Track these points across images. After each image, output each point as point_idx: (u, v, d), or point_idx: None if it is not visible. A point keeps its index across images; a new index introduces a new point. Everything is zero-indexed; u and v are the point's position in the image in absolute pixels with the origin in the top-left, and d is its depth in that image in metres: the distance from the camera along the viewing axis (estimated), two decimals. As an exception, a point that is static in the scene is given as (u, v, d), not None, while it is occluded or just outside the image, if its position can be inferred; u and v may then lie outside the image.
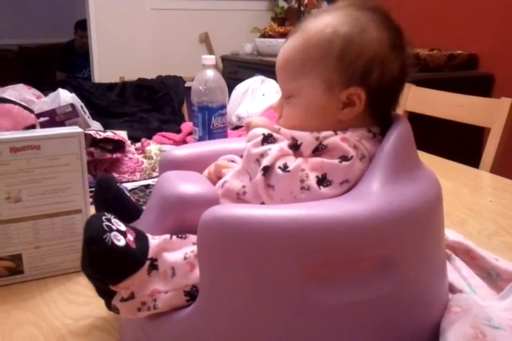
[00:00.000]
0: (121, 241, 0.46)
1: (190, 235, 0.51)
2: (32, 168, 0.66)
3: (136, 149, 1.22)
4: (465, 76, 2.35)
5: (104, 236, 0.45)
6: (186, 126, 1.46)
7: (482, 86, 2.30)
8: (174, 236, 0.50)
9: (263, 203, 0.51)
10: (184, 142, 1.42)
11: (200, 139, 1.20)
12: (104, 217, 0.47)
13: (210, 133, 1.20)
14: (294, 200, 0.48)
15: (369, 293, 0.44)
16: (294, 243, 0.42)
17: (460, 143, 2.04)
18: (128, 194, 0.60)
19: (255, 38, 3.30)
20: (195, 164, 0.63)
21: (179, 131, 1.59)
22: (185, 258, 0.48)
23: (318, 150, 0.51)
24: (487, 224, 0.90)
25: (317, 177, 0.49)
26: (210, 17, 3.48)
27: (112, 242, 0.45)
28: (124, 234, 0.47)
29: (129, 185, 1.04)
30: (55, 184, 0.67)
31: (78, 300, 0.64)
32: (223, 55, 3.47)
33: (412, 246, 0.47)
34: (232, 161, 0.61)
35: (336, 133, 0.51)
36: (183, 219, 0.51)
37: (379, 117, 0.54)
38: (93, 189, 0.60)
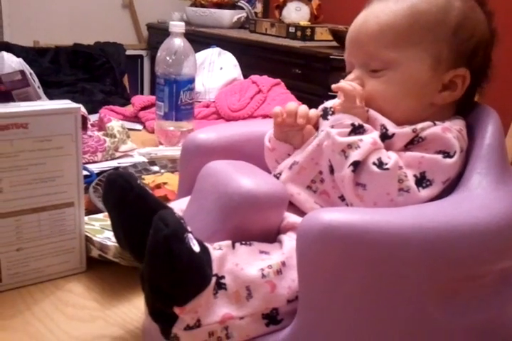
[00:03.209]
0: (196, 246, 0.37)
1: (255, 242, 0.42)
2: (16, 152, 0.52)
3: (92, 125, 1.07)
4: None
5: (184, 236, 0.36)
6: (138, 99, 1.32)
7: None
8: (237, 244, 0.41)
9: (342, 195, 0.44)
10: (136, 117, 1.29)
11: (166, 116, 1.08)
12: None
13: (177, 109, 1.08)
14: (390, 203, 0.41)
15: (491, 312, 0.38)
16: (420, 256, 0.35)
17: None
18: (150, 192, 0.47)
19: (185, 7, 3.11)
20: (227, 151, 0.53)
21: (124, 104, 1.44)
22: (263, 275, 0.38)
23: (413, 143, 0.43)
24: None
25: (415, 176, 0.41)
26: (135, -20, 3.23)
27: (191, 246, 0.36)
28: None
29: (94, 167, 0.90)
30: (44, 171, 0.54)
31: (80, 315, 0.52)
32: (149, 22, 3.25)
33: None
34: None
35: (435, 124, 0.44)
36: (249, 222, 0.41)
37: (461, 107, 0.48)
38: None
